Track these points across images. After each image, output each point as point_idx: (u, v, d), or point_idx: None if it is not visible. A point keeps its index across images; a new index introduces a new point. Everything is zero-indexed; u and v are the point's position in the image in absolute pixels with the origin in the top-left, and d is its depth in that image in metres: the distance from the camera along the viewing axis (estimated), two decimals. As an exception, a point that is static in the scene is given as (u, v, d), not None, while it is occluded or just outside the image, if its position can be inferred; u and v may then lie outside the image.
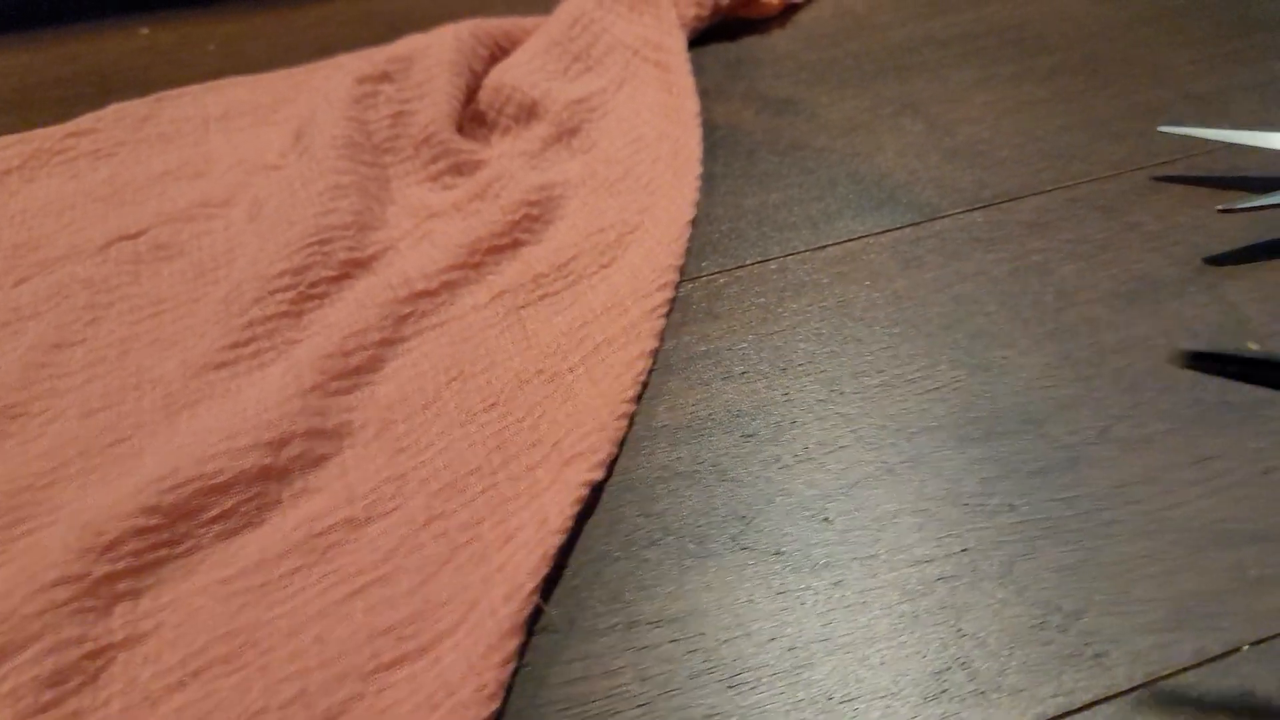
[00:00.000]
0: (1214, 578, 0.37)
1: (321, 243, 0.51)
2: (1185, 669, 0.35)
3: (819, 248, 0.54)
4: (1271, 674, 0.34)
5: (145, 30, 0.79)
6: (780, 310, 0.50)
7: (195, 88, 0.68)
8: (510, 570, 0.37)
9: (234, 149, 0.61)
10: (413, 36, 0.67)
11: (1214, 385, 0.44)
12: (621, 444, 0.43)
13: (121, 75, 0.73)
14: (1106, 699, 0.34)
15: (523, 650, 0.36)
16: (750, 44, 0.74)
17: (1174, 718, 0.33)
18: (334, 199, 0.53)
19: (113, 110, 0.65)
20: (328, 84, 0.64)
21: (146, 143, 0.62)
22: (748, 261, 0.54)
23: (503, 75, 0.64)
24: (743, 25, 0.76)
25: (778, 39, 0.75)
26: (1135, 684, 0.34)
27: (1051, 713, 0.34)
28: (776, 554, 0.39)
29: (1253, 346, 0.46)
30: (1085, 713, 0.34)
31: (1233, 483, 0.40)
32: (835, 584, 0.38)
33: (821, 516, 0.40)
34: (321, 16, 0.80)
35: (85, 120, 0.64)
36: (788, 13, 0.78)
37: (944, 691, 0.34)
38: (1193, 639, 0.35)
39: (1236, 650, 0.35)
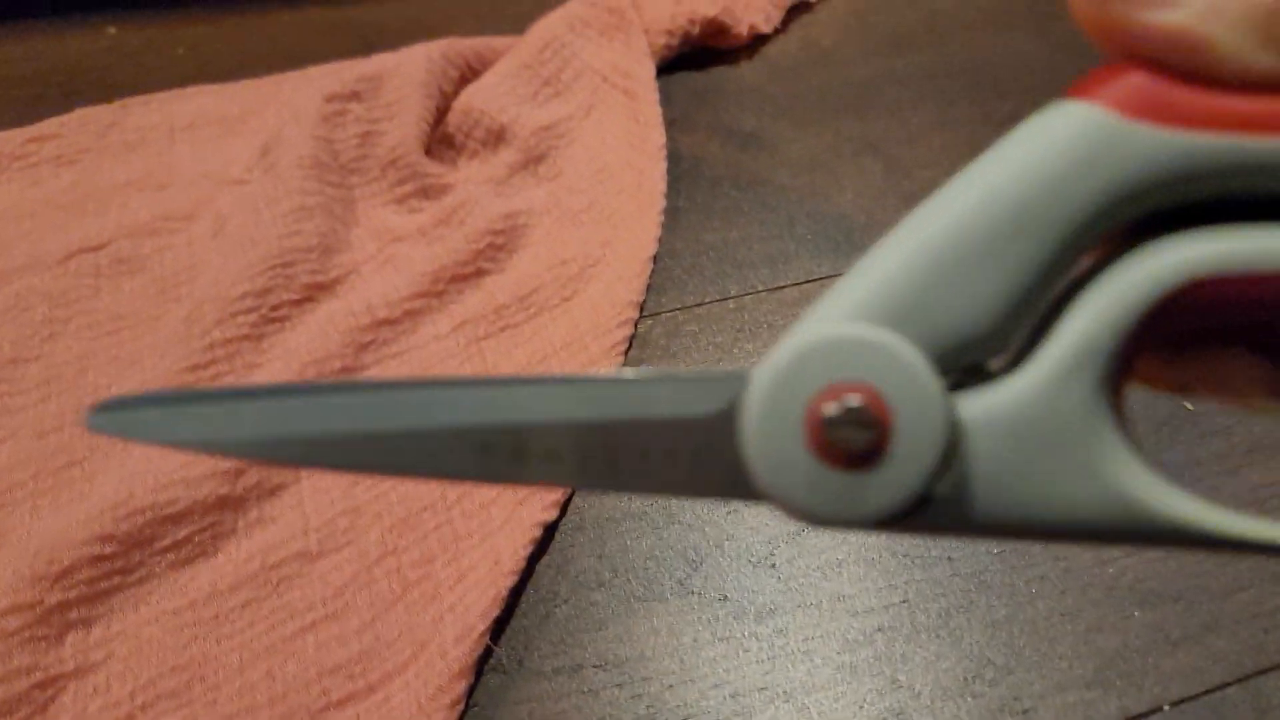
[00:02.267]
0: (1136, 637, 0.39)
1: (284, 265, 0.51)
2: (1108, 726, 0.36)
3: (776, 288, 0.55)
4: (1189, 733, 0.36)
5: (112, 30, 0.78)
6: (736, 350, 0.51)
7: (162, 95, 0.67)
8: (462, 611, 0.37)
9: (199, 161, 0.61)
10: (384, 55, 0.67)
11: (1146, 447, 0.46)
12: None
13: (86, 76, 0.72)
14: (1032, 754, 0.35)
15: (471, 690, 0.36)
16: (718, 74, 0.75)
17: (1095, 774, 0.35)
18: (298, 220, 0.53)
19: (77, 115, 0.64)
20: (296, 98, 0.64)
21: (110, 150, 0.62)
22: (707, 299, 0.55)
23: (472, 98, 0.64)
24: (712, 54, 0.77)
25: (745, 70, 0.76)
26: (1060, 740, 0.36)
27: (979, 767, 0.35)
28: (722, 599, 0.40)
29: (1189, 406, 0.47)
30: (1011, 767, 0.35)
31: None
32: (778, 632, 0.39)
33: (769, 563, 0.41)
34: (292, 23, 0.80)
35: (48, 125, 0.63)
36: (756, 43, 0.79)
37: (878, 742, 0.36)
38: (1115, 697, 0.37)
39: (1158, 710, 0.37)
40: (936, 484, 0.17)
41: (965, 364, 0.17)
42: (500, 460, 0.18)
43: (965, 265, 0.17)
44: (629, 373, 0.18)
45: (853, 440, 0.16)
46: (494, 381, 0.18)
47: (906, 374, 0.16)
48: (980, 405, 0.17)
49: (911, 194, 0.62)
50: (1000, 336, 0.17)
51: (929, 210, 0.17)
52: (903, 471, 0.17)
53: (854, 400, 0.16)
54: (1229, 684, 0.37)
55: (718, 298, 0.55)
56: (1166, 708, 0.36)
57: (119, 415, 0.18)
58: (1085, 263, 0.17)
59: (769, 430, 0.17)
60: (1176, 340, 0.19)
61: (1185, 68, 0.16)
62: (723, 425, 0.17)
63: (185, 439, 0.18)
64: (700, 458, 0.18)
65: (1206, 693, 0.37)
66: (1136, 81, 0.16)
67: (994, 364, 0.18)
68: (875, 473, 0.17)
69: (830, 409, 0.16)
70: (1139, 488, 0.17)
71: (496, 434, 0.18)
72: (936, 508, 0.17)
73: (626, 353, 0.50)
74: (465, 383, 0.18)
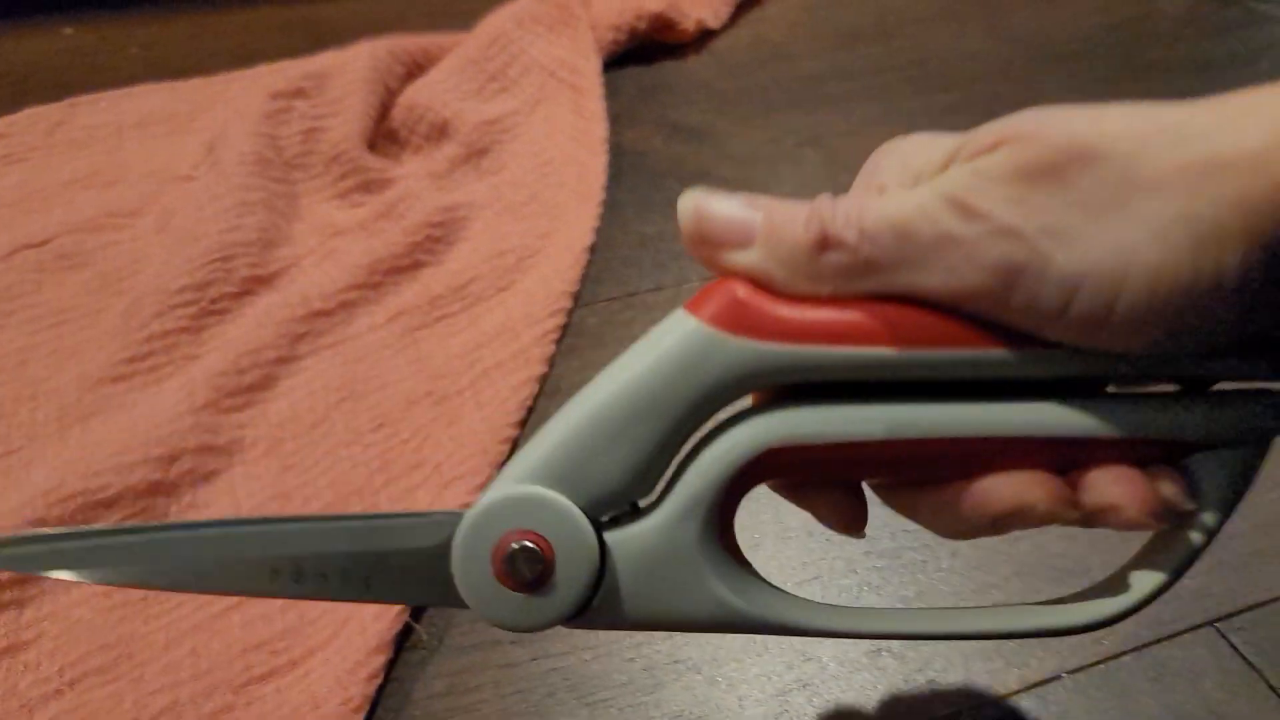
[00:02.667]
0: (1041, 608, 0.40)
1: (225, 259, 0.52)
2: (1009, 695, 0.37)
3: (711, 277, 0.57)
4: (1086, 700, 0.37)
5: (69, 30, 0.79)
6: (668, 338, 0.53)
7: (112, 93, 0.68)
8: (383, 589, 0.39)
9: (147, 158, 0.62)
10: (329, 53, 0.68)
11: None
12: (500, 468, 0.45)
13: (40, 76, 0.73)
14: (933, 721, 0.37)
15: (390, 666, 0.38)
16: (665, 69, 0.77)
17: (994, 739, 0.36)
18: (240, 215, 0.54)
19: (26, 115, 0.65)
20: (243, 96, 0.65)
21: (59, 149, 0.63)
22: (641, 289, 0.56)
23: (417, 94, 0.66)
24: (660, 49, 0.78)
25: (693, 65, 0.77)
26: (960, 708, 0.37)
27: (881, 733, 0.36)
28: (641, 577, 0.41)
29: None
30: (913, 733, 0.36)
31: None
32: (693, 607, 0.40)
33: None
34: (244, 22, 0.81)
35: (-2, 123, 0.64)
36: (706, 38, 0.80)
37: (785, 711, 0.37)
38: (1017, 668, 0.38)
39: (1056, 679, 0.38)
40: (593, 596, 0.24)
41: (616, 507, 0.24)
42: (285, 581, 0.25)
43: (604, 441, 0.23)
44: (379, 514, 0.25)
45: (525, 572, 0.23)
46: (283, 520, 0.25)
47: (564, 521, 0.23)
48: (623, 537, 0.24)
49: (848, 185, 0.63)
50: (637, 488, 0.24)
51: (583, 397, 0.23)
52: (564, 591, 0.23)
53: (523, 543, 0.23)
54: (1124, 653, 0.38)
55: (652, 288, 0.56)
56: (1064, 676, 0.38)
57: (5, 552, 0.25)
58: (708, 426, 0.24)
59: (467, 563, 0.23)
60: (789, 483, 0.27)
61: (762, 287, 0.23)
62: (441, 555, 0.24)
63: (53, 572, 0.25)
64: (427, 578, 0.24)
65: (1102, 661, 0.38)
66: (728, 299, 0.23)
67: (643, 503, 0.24)
68: (544, 593, 0.23)
69: (507, 550, 0.23)
70: (733, 597, 0.24)
71: (281, 562, 0.24)
72: (595, 612, 0.24)
73: (559, 341, 0.51)
74: (261, 522, 0.25)
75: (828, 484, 0.27)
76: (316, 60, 0.67)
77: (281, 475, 0.44)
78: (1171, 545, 0.25)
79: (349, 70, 0.65)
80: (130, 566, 0.25)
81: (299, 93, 0.63)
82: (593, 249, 0.57)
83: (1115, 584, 0.26)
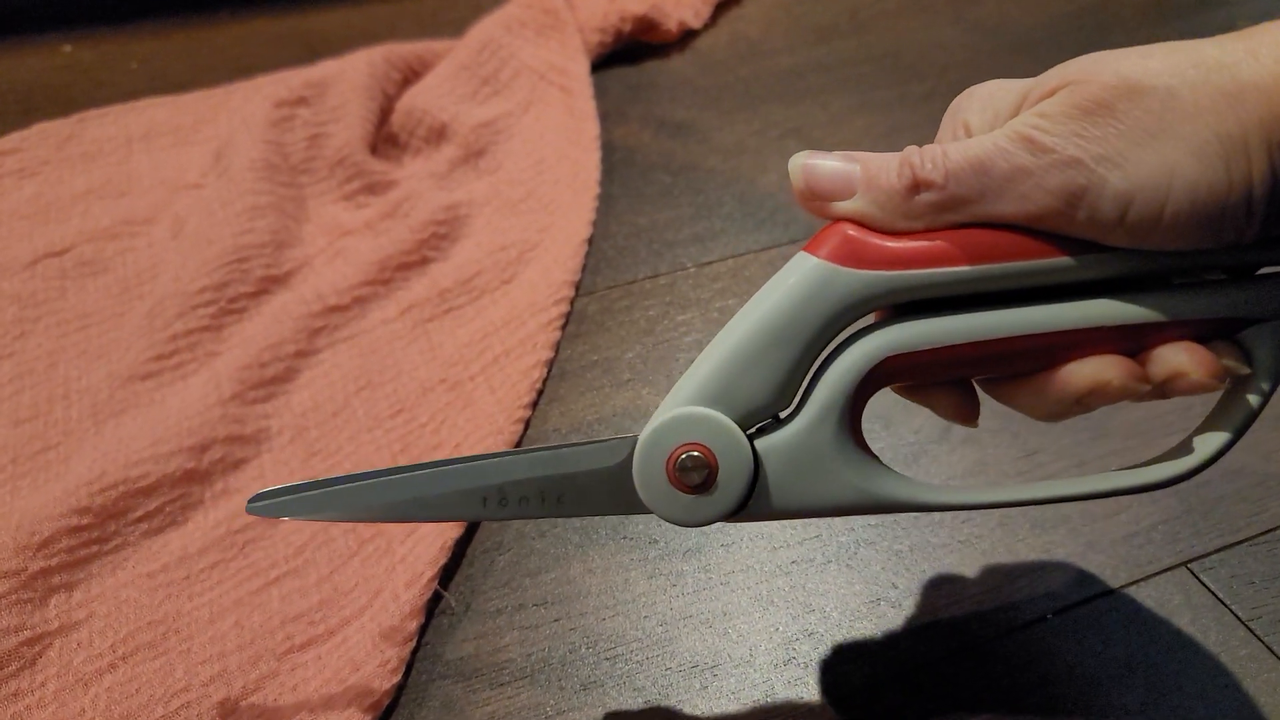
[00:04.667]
0: (1026, 558, 0.43)
1: (240, 260, 0.55)
2: (998, 636, 0.40)
3: (704, 264, 0.59)
4: (1071, 640, 0.40)
5: (68, 48, 0.81)
6: (666, 323, 0.55)
7: (117, 108, 0.71)
8: (412, 561, 0.41)
9: (156, 168, 0.65)
10: (328, 62, 0.70)
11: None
12: (518, 446, 0.48)
13: (44, 93, 0.75)
14: (930, 662, 0.39)
15: (422, 631, 0.40)
16: (650, 68, 0.79)
17: (987, 675, 0.39)
18: (252, 219, 0.57)
19: (36, 130, 0.68)
20: (246, 106, 0.67)
21: (70, 162, 0.65)
22: (639, 277, 0.59)
23: (414, 99, 0.68)
24: (644, 49, 0.81)
25: (676, 63, 0.80)
26: (953, 649, 0.40)
27: (884, 674, 0.39)
28: (652, 542, 0.44)
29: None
30: (912, 672, 0.39)
31: (1051, 473, 0.46)
32: (702, 568, 0.43)
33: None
34: (240, 35, 0.84)
35: (9, 140, 0.66)
36: (686, 38, 0.83)
37: (792, 659, 0.40)
38: (1005, 611, 0.41)
39: (1042, 620, 0.41)
40: (750, 495, 0.30)
41: (762, 419, 0.29)
42: (494, 506, 0.31)
43: (748, 366, 0.28)
44: (564, 445, 0.31)
45: (694, 477, 0.29)
46: (488, 456, 0.31)
47: (722, 433, 0.29)
48: (772, 443, 0.29)
49: (830, 173, 0.66)
50: (778, 402, 0.29)
51: (726, 332, 0.29)
52: (727, 491, 0.29)
53: (692, 453, 0.29)
54: (1105, 594, 0.41)
55: (649, 275, 0.59)
56: (1050, 616, 0.41)
57: (269, 503, 0.32)
58: (835, 344, 0.29)
59: (646, 474, 0.29)
60: (908, 386, 0.32)
61: (867, 228, 0.28)
62: (621, 471, 0.30)
63: (307, 516, 0.32)
64: (611, 492, 0.31)
65: (1084, 602, 0.41)
66: (839, 238, 0.28)
67: (784, 414, 0.30)
68: (710, 494, 0.29)
69: (678, 460, 0.29)
70: (866, 483, 0.30)
71: (490, 490, 0.31)
72: (752, 507, 0.30)
73: (563, 328, 0.54)
74: (469, 460, 0.31)
75: (941, 383, 0.31)
76: (316, 69, 0.69)
77: (308, 460, 0.46)
78: (1231, 409, 0.30)
79: (348, 78, 0.67)
80: (369, 505, 0.31)
81: (301, 101, 0.65)
82: (590, 241, 0.60)
83: (1184, 447, 0.31)
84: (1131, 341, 0.28)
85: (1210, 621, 0.40)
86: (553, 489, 0.31)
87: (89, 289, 0.56)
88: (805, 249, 0.28)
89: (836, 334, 0.29)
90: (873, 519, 0.45)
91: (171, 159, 0.65)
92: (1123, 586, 0.42)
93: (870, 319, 0.30)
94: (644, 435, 0.29)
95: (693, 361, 0.30)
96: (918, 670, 0.39)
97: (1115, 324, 0.28)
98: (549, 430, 0.49)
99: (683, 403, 0.29)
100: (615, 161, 0.68)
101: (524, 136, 0.67)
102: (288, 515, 0.32)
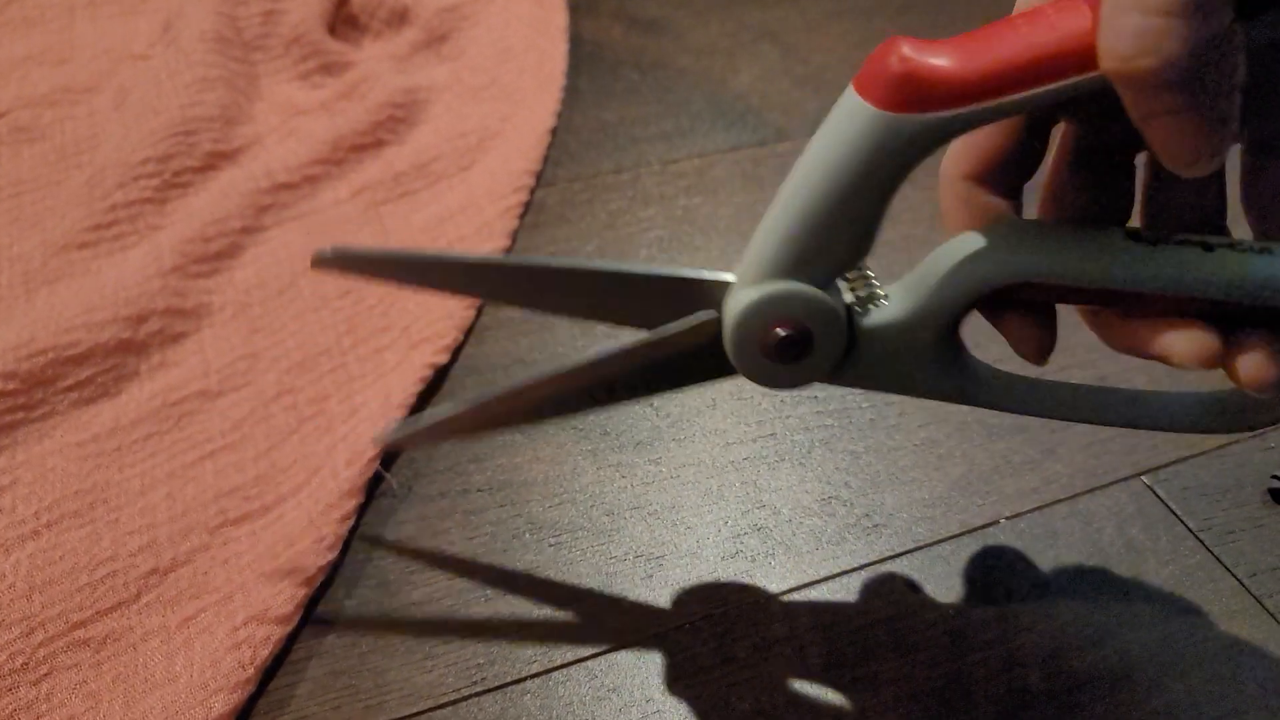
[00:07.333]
0: (982, 463, 0.42)
1: (187, 134, 0.52)
2: (950, 538, 0.40)
3: (671, 161, 0.58)
4: (1021, 542, 0.39)
5: (11, -89, 0.77)
6: (628, 218, 0.54)
7: (62, -28, 0.67)
8: (354, 440, 0.40)
9: (100, 37, 0.62)
10: (287, -65, 0.67)
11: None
12: (468, 332, 0.46)
13: (-15, -44, 0.72)
14: (880, 560, 0.39)
15: (362, 511, 0.39)
16: (624, -37, 0.77)
17: (936, 576, 0.38)
18: (201, 92, 0.54)
19: (-26, -9, 0.64)
20: (199, -23, 0.64)
21: (9, 26, 0.62)
22: (602, 171, 0.57)
23: (376, -21, 0.65)
24: (619, -55, 0.78)
25: (652, -40, 0.77)
26: (905, 549, 0.39)
27: (830, 571, 0.38)
28: (604, 433, 0.43)
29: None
30: (861, 572, 0.38)
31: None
32: (653, 461, 0.42)
33: (648, 401, 0.44)
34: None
35: (-55, 0, 0.63)
36: (664, -65, 0.80)
37: (739, 552, 0.39)
38: (957, 513, 0.40)
39: (995, 523, 0.40)
40: (844, 363, 0.30)
41: (846, 270, 0.29)
42: (602, 397, 0.32)
43: (821, 231, 0.27)
44: (656, 332, 0.31)
45: (788, 352, 0.29)
46: (593, 358, 0.31)
47: (819, 311, 0.28)
48: (877, 319, 0.29)
49: (805, 77, 0.64)
50: (856, 258, 0.28)
51: (790, 199, 0.27)
52: (821, 359, 0.29)
53: (789, 330, 0.28)
54: (1060, 501, 0.41)
55: (612, 170, 0.57)
56: (1003, 520, 0.40)
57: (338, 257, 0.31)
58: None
59: (740, 348, 0.29)
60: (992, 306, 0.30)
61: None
62: (715, 345, 0.30)
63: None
64: (705, 365, 0.31)
65: (1039, 508, 0.41)
66: (893, 76, 0.24)
67: (883, 293, 0.30)
68: (805, 362, 0.29)
69: (773, 338, 0.28)
70: (957, 376, 0.31)
71: (597, 387, 0.32)
72: (847, 373, 0.30)
73: (522, 218, 0.52)
74: (572, 364, 0.31)
75: (1032, 308, 0.29)
76: (273, -58, 0.66)
77: (250, 337, 0.44)
78: None
79: (307, -48, 0.64)
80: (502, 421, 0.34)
81: (256, -27, 0.62)
82: (554, 133, 0.58)
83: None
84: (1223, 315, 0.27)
85: (1160, 528, 0.40)
86: (652, 374, 0.32)
87: (24, 155, 0.53)
88: (858, 89, 0.25)
89: (907, 176, 0.26)
90: (829, 419, 0.44)
91: (117, 27, 0.62)
92: (1076, 495, 0.41)
93: (1003, 227, 0.28)
94: (737, 313, 0.28)
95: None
96: (864, 568, 0.39)
97: (1216, 299, 0.26)
98: (502, 318, 0.48)
99: (765, 274, 0.28)
100: (583, 56, 0.66)
101: (489, 24, 0.64)
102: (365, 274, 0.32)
